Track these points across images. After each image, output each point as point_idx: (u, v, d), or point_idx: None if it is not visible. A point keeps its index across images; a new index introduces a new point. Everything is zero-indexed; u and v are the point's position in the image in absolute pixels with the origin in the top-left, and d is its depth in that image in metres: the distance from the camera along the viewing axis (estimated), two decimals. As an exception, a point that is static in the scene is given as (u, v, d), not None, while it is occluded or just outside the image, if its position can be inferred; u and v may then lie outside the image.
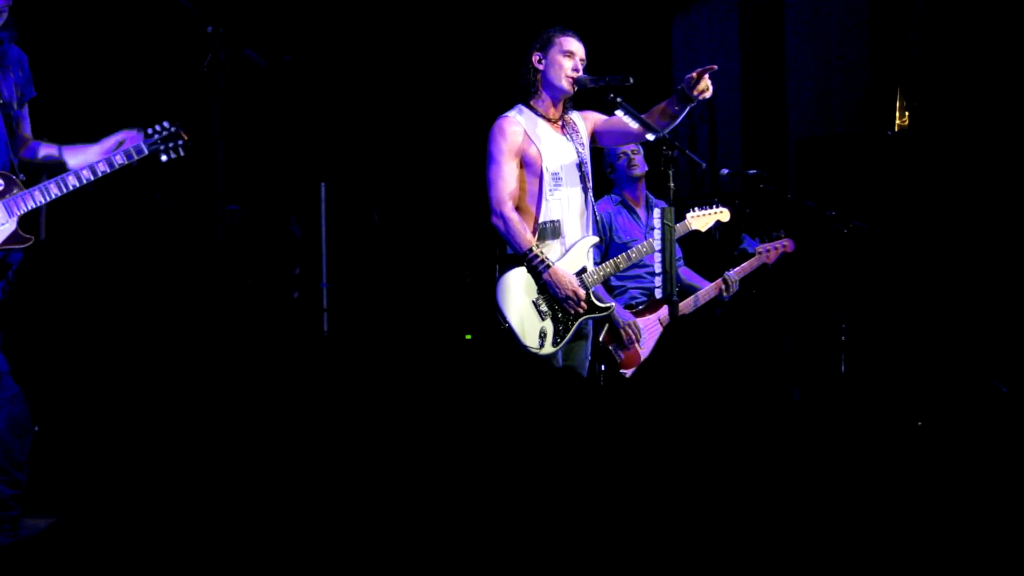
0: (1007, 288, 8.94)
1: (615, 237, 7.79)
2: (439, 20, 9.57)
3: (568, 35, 6.33)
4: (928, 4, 9.60)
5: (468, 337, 9.12)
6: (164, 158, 5.62)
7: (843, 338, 8.04)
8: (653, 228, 6.58)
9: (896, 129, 9.62)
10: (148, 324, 8.13)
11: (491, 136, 6.26)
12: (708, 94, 6.01)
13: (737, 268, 7.92)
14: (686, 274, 8.12)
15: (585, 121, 6.48)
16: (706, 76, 5.97)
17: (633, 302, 7.84)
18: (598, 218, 7.78)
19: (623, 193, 7.98)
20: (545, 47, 6.31)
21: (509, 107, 6.36)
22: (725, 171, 8.24)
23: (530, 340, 6.12)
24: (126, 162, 5.51)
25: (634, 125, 6.04)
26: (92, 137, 5.62)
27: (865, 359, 8.74)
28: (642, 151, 7.80)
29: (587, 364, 6.49)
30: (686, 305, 7.86)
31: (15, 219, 5.38)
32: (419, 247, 9.48)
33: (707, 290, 7.90)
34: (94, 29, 7.74)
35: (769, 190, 8.07)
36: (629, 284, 7.91)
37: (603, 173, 7.81)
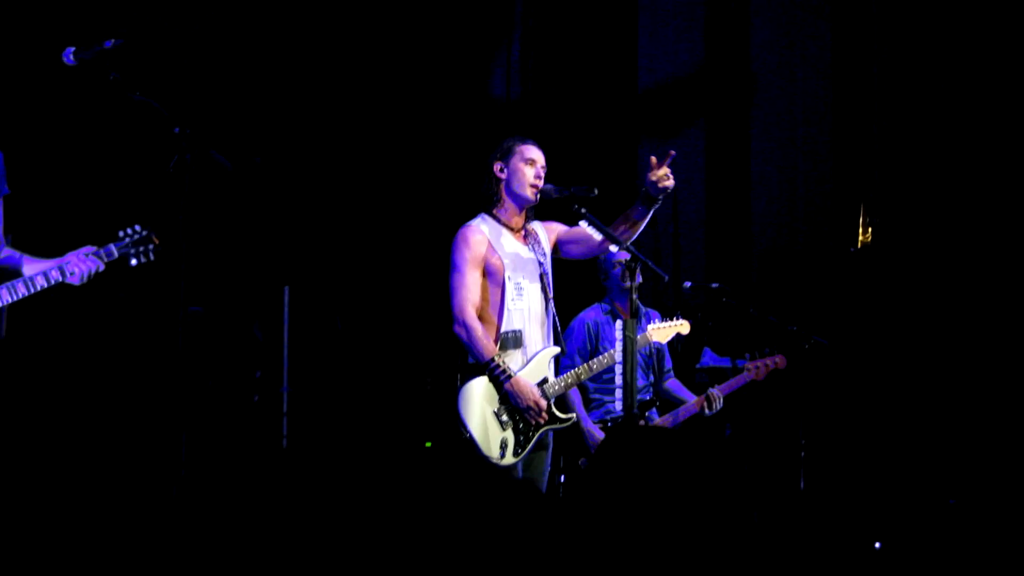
0: (967, 406, 8.96)
1: (601, 347, 7.78)
2: (403, 127, 9.61)
3: (528, 143, 6.37)
4: (890, 121, 9.70)
5: (428, 444, 9.07)
6: (134, 262, 5.65)
7: (803, 455, 8.02)
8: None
9: (859, 245, 9.67)
10: (107, 424, 8.07)
11: (454, 245, 6.27)
12: (669, 183, 6.03)
13: (722, 385, 7.89)
14: (675, 387, 8.09)
15: (548, 232, 6.49)
16: (665, 163, 6.01)
17: (609, 415, 7.81)
18: (587, 326, 7.80)
19: (614, 303, 7.97)
20: (506, 156, 6.33)
21: (472, 215, 6.38)
22: (688, 284, 8.27)
23: (491, 450, 6.09)
24: (90, 269, 5.52)
25: (598, 236, 6.07)
26: (53, 234, 5.61)
27: (825, 476, 8.71)
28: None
29: (547, 475, 6.46)
30: (665, 421, 7.82)
31: None
32: (381, 353, 9.44)
33: (688, 406, 7.86)
34: (62, 127, 7.74)
35: (731, 304, 8.09)
36: (606, 397, 7.89)
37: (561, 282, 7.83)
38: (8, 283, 5.45)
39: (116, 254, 5.61)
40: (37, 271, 5.51)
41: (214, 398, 8.57)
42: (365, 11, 9.52)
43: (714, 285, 8.16)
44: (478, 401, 6.12)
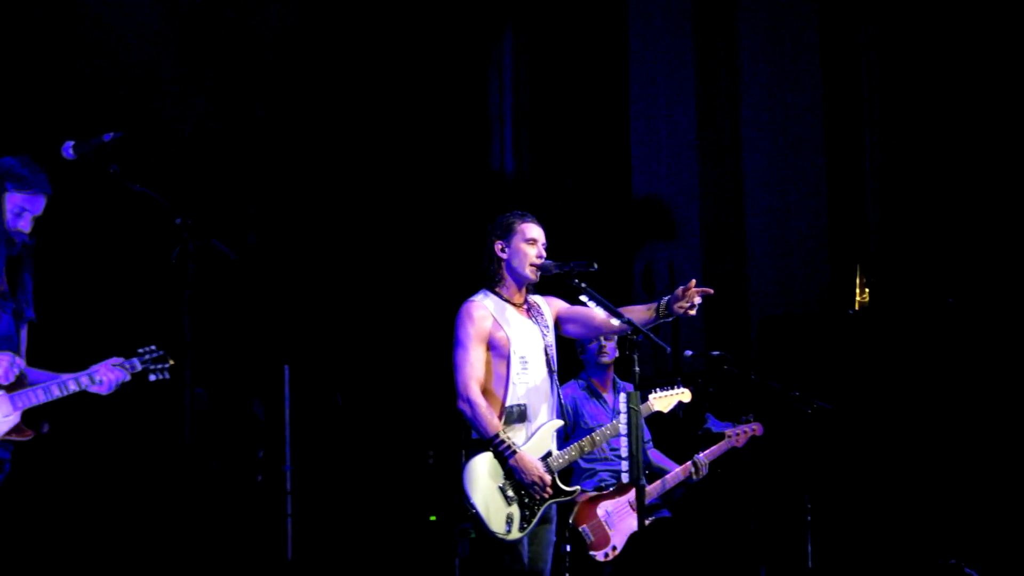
0: (973, 468, 8.94)
1: (581, 423, 7.82)
2: (401, 200, 9.66)
3: (528, 221, 6.37)
4: (885, 180, 9.74)
5: (432, 519, 9.05)
6: (153, 377, 5.84)
7: (809, 519, 8.01)
8: (619, 412, 6.58)
9: (857, 307, 9.69)
10: (117, 511, 8.07)
11: (458, 320, 6.27)
12: (692, 312, 6.06)
13: (707, 451, 7.96)
14: (656, 457, 8.13)
15: (549, 306, 6.50)
16: (696, 294, 6.03)
17: (602, 484, 7.83)
18: (562, 403, 7.81)
19: (590, 379, 8.03)
20: (507, 235, 6.33)
21: (473, 291, 6.39)
22: (689, 352, 8.28)
23: (496, 525, 6.08)
24: (119, 379, 5.74)
25: (599, 311, 6.07)
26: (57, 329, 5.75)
27: (831, 540, 8.69)
28: (615, 339, 7.85)
29: (552, 547, 6.45)
30: (654, 488, 7.86)
31: (18, 413, 5.61)
32: (382, 428, 9.44)
33: (675, 473, 7.92)
34: (64, 222, 7.78)
35: (732, 371, 8.10)
36: (598, 466, 7.91)
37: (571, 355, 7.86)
38: (44, 385, 5.64)
39: (139, 367, 5.80)
40: (68, 377, 5.69)
41: (218, 479, 8.57)
42: (360, 82, 9.58)
43: (715, 353, 8.17)
44: (483, 477, 6.11)
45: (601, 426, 7.40)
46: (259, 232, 8.88)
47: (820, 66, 10.09)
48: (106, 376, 5.70)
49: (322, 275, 9.34)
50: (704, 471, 7.90)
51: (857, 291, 9.70)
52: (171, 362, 5.84)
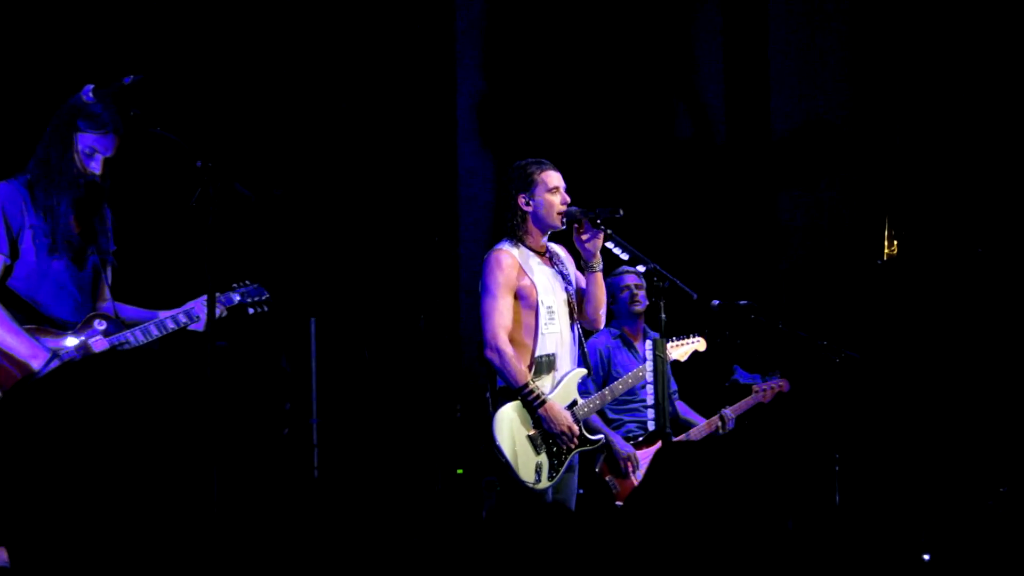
0: (1001, 414, 8.90)
1: (613, 372, 7.78)
2: (427, 152, 9.62)
3: (547, 168, 6.32)
4: (912, 128, 9.67)
5: (460, 472, 9.04)
6: (251, 311, 5.94)
7: (837, 469, 7.98)
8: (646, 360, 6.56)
9: (885, 258, 9.63)
10: (136, 462, 8.05)
11: (487, 269, 6.23)
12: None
13: (734, 406, 7.94)
14: (682, 409, 8.10)
15: (572, 258, 6.46)
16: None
17: (630, 435, 7.80)
18: (598, 352, 7.77)
19: (622, 328, 7.99)
20: (530, 187, 6.27)
21: (496, 240, 6.35)
22: (716, 302, 8.23)
23: (526, 474, 6.08)
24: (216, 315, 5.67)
25: (624, 256, 6.05)
26: None
27: (860, 489, 8.67)
28: (645, 286, 7.80)
29: (575, 496, 6.45)
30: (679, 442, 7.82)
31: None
32: (409, 380, 9.42)
33: (701, 427, 7.90)
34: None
35: (760, 321, 8.06)
36: (625, 417, 7.88)
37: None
38: (142, 326, 5.66)
39: (236, 300, 5.87)
40: (166, 315, 5.71)
41: (244, 432, 8.56)
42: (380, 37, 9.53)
43: (742, 302, 8.13)
44: (512, 426, 6.11)
45: (630, 375, 7.38)
46: (285, 185, 8.84)
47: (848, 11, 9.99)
48: (203, 312, 5.67)
49: (349, 226, 9.30)
50: (730, 425, 7.88)
51: (885, 242, 9.63)
52: (268, 295, 5.90)
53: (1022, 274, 9.14)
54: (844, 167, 9.88)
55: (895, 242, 9.63)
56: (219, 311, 5.73)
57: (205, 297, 5.59)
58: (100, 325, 5.58)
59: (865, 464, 8.89)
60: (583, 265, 6.30)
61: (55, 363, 5.43)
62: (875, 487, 8.89)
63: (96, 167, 5.60)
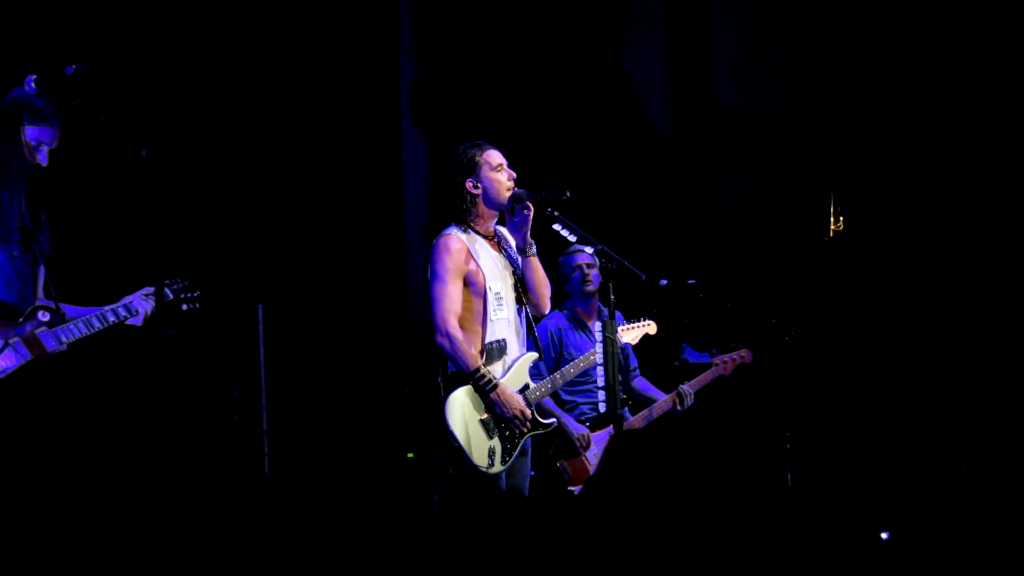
0: (953, 389, 8.96)
1: (566, 353, 7.76)
2: (377, 141, 9.60)
3: (486, 148, 6.30)
4: (858, 106, 9.70)
5: (410, 455, 9.03)
6: (184, 307, 5.99)
7: (788, 447, 8.01)
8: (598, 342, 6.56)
9: (831, 234, 9.67)
10: (89, 453, 8.00)
11: (435, 253, 6.19)
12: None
13: (692, 381, 7.90)
14: (643, 385, 8.08)
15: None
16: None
17: (583, 417, 7.79)
18: (549, 332, 7.77)
19: (575, 308, 7.97)
20: (474, 170, 6.23)
21: (443, 225, 6.32)
22: (664, 281, 8.24)
23: (479, 459, 6.07)
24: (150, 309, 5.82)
25: (572, 238, 6.04)
26: None
27: (812, 467, 8.71)
28: (597, 265, 7.77)
29: (528, 480, 6.44)
30: (639, 419, 7.82)
31: (65, 345, 5.64)
32: (358, 365, 9.40)
33: (661, 403, 7.87)
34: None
35: (708, 300, 8.06)
36: (579, 399, 7.87)
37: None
38: (84, 318, 5.70)
39: (170, 296, 5.90)
40: (107, 309, 5.76)
41: (194, 420, 8.51)
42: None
43: (690, 281, 8.13)
44: (464, 411, 6.09)
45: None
46: (228, 172, 8.78)
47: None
48: (141, 306, 5.76)
49: (294, 212, 9.26)
50: (690, 401, 7.85)
51: (831, 219, 9.67)
52: (199, 292, 5.93)
53: (969, 248, 9.19)
54: (789, 146, 9.91)
55: (841, 219, 9.66)
56: (151, 308, 5.78)
57: (143, 291, 5.74)
58: (44, 316, 5.61)
59: (816, 442, 8.93)
60: (518, 250, 6.29)
61: (8, 351, 5.44)
62: (827, 465, 8.93)
63: (44, 159, 5.65)
